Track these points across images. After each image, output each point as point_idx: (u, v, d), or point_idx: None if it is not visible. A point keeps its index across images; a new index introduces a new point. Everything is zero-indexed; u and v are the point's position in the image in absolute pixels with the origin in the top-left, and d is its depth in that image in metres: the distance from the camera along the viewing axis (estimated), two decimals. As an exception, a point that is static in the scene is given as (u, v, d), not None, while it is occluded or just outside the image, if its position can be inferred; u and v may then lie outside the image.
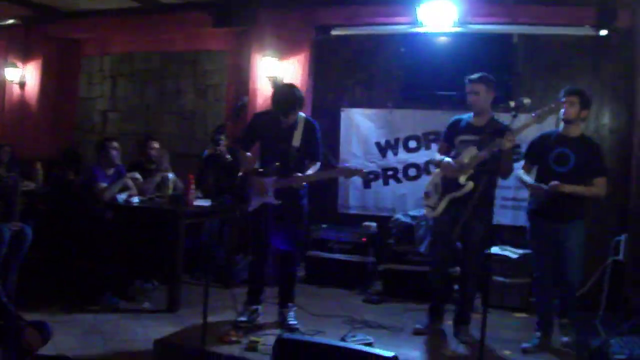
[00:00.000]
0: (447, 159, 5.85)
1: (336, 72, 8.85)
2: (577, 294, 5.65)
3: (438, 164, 6.00)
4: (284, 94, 5.79)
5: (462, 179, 5.71)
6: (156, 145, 8.09)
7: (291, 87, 5.97)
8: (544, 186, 5.45)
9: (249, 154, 5.99)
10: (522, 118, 5.44)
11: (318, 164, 5.89)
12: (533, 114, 5.38)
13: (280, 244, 5.96)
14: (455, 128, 5.99)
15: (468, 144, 5.77)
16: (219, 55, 9.39)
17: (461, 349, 5.60)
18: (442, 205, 5.85)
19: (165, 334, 5.58)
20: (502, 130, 5.56)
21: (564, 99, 5.50)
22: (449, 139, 6.04)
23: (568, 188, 5.36)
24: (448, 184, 5.84)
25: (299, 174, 5.71)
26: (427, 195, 6.08)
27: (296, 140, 5.80)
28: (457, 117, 6.09)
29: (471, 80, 5.79)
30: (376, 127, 8.50)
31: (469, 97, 5.82)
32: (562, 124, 5.64)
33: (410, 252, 7.38)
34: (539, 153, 5.72)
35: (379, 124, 8.50)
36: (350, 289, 7.65)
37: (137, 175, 7.46)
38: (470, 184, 5.66)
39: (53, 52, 9.96)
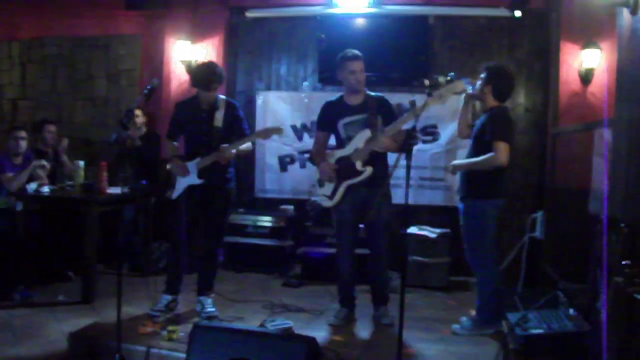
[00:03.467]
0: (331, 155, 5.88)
1: (251, 55, 8.76)
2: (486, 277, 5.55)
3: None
4: (204, 67, 5.85)
5: (358, 165, 5.65)
6: (52, 128, 7.84)
7: (210, 62, 6.04)
8: None
9: (175, 143, 6.09)
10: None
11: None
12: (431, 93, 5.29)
13: (202, 235, 5.95)
14: (332, 112, 5.92)
15: (356, 125, 5.74)
16: (131, 40, 9.12)
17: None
18: (340, 193, 5.76)
19: (80, 327, 5.45)
20: (383, 105, 5.77)
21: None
22: (326, 126, 5.96)
23: (454, 167, 5.58)
24: (344, 170, 5.74)
25: (224, 145, 5.68)
26: (319, 183, 5.96)
27: (218, 121, 5.81)
28: (326, 101, 6.04)
29: (356, 58, 5.74)
30: (292, 110, 8.45)
31: (356, 75, 5.71)
32: None
33: (328, 235, 7.34)
34: None
35: (295, 107, 8.45)
36: (269, 273, 7.69)
37: (45, 163, 7.21)
38: (369, 170, 5.62)
39: (-42, 38, 9.57)
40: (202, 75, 5.74)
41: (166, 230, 6.26)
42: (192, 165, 5.82)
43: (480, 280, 5.56)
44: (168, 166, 5.99)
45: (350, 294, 6.01)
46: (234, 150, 5.74)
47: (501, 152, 5.18)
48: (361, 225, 5.93)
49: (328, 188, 5.84)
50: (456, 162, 5.58)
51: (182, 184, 5.88)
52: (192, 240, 6.00)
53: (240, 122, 5.96)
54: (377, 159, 5.66)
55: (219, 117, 5.81)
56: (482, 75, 5.51)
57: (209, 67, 5.83)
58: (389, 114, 5.76)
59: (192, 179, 5.81)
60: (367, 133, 5.63)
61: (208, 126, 5.80)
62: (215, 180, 5.83)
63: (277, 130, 6.02)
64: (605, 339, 3.85)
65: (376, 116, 5.67)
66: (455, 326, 5.60)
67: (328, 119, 5.91)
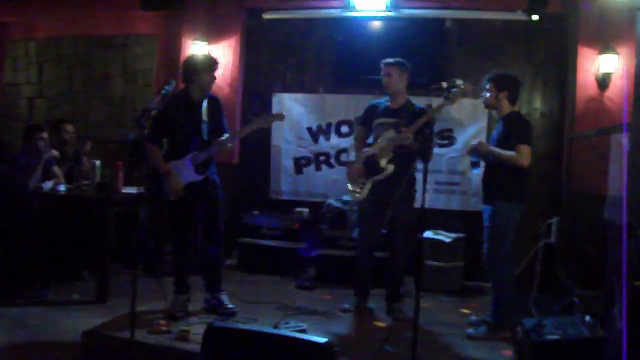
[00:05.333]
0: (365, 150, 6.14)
1: (268, 57, 8.75)
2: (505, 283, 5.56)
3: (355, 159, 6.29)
4: (202, 54, 6.17)
5: (382, 162, 5.87)
6: (70, 128, 7.88)
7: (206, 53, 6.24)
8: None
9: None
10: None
11: (226, 134, 5.84)
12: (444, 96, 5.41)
13: (203, 230, 5.97)
14: (373, 111, 6.20)
15: (386, 126, 5.95)
16: (148, 40, 9.15)
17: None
18: (366, 189, 5.99)
19: (93, 325, 5.42)
20: (417, 112, 5.84)
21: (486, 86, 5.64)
22: (366, 123, 6.26)
23: (483, 144, 5.59)
24: (370, 167, 5.98)
25: (222, 138, 5.73)
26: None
27: (205, 115, 5.82)
28: (374, 101, 6.31)
29: (385, 64, 6.04)
30: (308, 112, 8.45)
31: (383, 79, 6.04)
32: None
33: (343, 238, 7.41)
34: None
35: (311, 109, 8.45)
36: (283, 275, 7.65)
37: (55, 153, 7.22)
38: (391, 167, 5.85)
39: (-25, 36, 9.60)
40: (203, 59, 5.83)
41: (172, 229, 6.18)
42: (186, 161, 5.70)
43: (498, 283, 5.55)
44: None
45: (365, 287, 6.24)
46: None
47: (525, 155, 5.29)
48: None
49: (357, 183, 6.10)
50: (487, 145, 5.56)
51: (177, 182, 5.69)
52: (196, 237, 6.06)
53: (221, 117, 5.95)
54: (401, 160, 5.80)
55: (205, 112, 5.81)
56: (489, 86, 5.57)
57: (205, 54, 6.03)
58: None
59: (192, 176, 5.71)
60: (391, 133, 5.83)
61: (198, 121, 5.77)
62: (210, 173, 5.85)
63: (278, 117, 6.03)
64: (624, 344, 3.83)
65: (407, 123, 5.76)
66: (470, 330, 5.58)
67: (368, 117, 6.24)
